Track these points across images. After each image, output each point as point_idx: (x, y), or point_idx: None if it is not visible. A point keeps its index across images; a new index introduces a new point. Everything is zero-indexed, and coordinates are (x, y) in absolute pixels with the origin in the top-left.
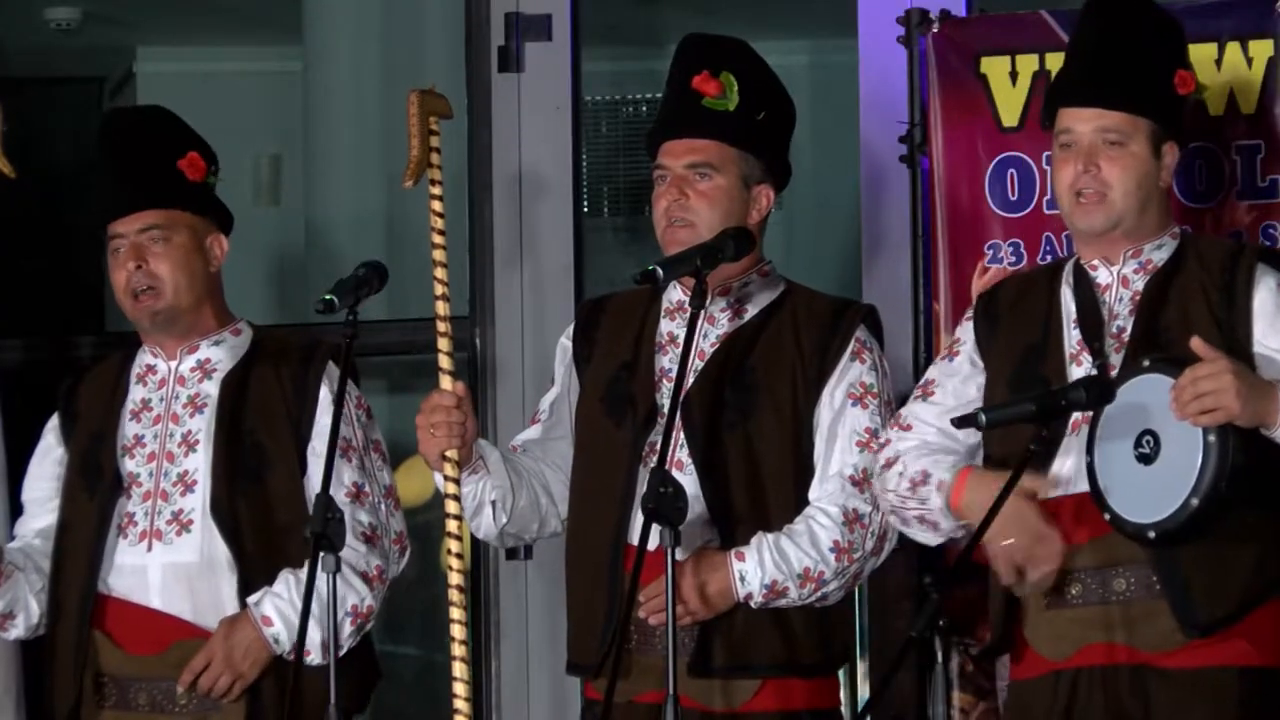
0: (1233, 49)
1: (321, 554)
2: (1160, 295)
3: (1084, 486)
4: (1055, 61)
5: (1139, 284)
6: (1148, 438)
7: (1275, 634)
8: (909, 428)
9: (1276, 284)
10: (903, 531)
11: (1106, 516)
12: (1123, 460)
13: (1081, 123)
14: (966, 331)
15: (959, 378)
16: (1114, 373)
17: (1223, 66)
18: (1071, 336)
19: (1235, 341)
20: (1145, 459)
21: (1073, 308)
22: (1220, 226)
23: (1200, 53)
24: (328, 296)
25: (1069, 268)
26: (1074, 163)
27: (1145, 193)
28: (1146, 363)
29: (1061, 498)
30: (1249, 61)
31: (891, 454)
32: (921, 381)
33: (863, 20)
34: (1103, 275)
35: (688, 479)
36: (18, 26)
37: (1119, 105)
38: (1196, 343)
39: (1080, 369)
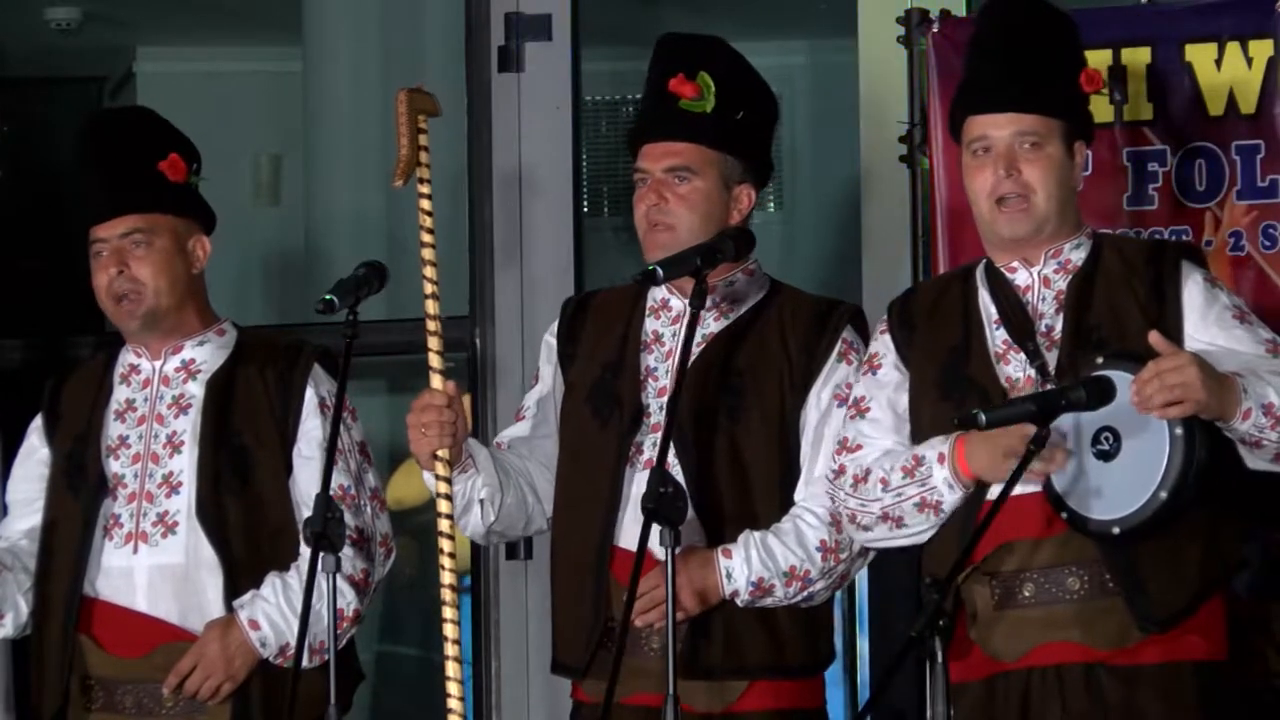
0: (1233, 49)
1: (321, 554)
2: (1085, 293)
3: (1035, 486)
4: None
5: (1061, 283)
6: (1106, 434)
7: (1221, 628)
8: (859, 447)
9: (1203, 278)
10: (885, 545)
11: (1064, 515)
12: (1079, 459)
13: (997, 128)
14: (884, 344)
15: (890, 388)
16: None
17: (1223, 66)
18: (995, 337)
19: (1167, 336)
20: (1105, 455)
21: (993, 309)
22: (1220, 226)
23: (1200, 53)
24: (328, 296)
25: (980, 270)
26: (992, 168)
27: (1064, 193)
28: (1100, 359)
29: (1011, 498)
30: (1249, 61)
31: (858, 470)
32: (851, 400)
33: (863, 20)
34: (1022, 277)
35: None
36: (18, 26)
37: (1033, 108)
38: (1155, 337)
39: (1009, 367)
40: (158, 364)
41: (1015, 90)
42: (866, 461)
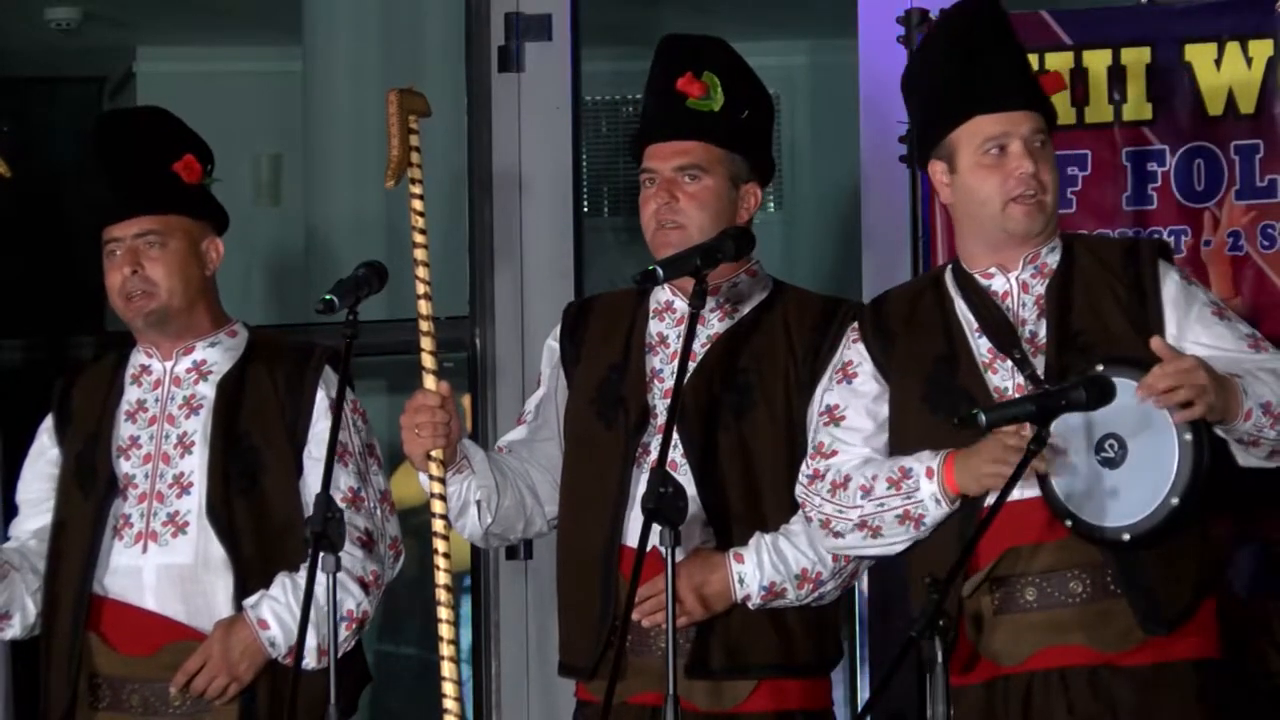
0: (1233, 49)
1: (321, 554)
2: (1064, 297)
3: (1033, 491)
4: (1055, 61)
5: (1039, 288)
6: (1111, 441)
7: (1214, 626)
8: (835, 453)
9: (1179, 276)
10: (856, 553)
11: (1068, 523)
12: (1082, 466)
13: (1015, 125)
14: (858, 352)
15: (868, 399)
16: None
17: (1222, 66)
18: (980, 346)
19: (1148, 335)
20: (1110, 463)
21: (972, 318)
22: (1219, 226)
23: (1200, 53)
24: (328, 296)
25: (948, 277)
26: (1012, 166)
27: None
28: (1100, 366)
29: (1010, 504)
30: (1249, 61)
31: (837, 476)
32: (823, 409)
33: (863, 20)
34: (999, 283)
35: (683, 479)
36: (18, 26)
37: (1039, 106)
38: (1157, 343)
39: (996, 377)
40: (169, 365)
41: (1028, 88)
42: (846, 468)
